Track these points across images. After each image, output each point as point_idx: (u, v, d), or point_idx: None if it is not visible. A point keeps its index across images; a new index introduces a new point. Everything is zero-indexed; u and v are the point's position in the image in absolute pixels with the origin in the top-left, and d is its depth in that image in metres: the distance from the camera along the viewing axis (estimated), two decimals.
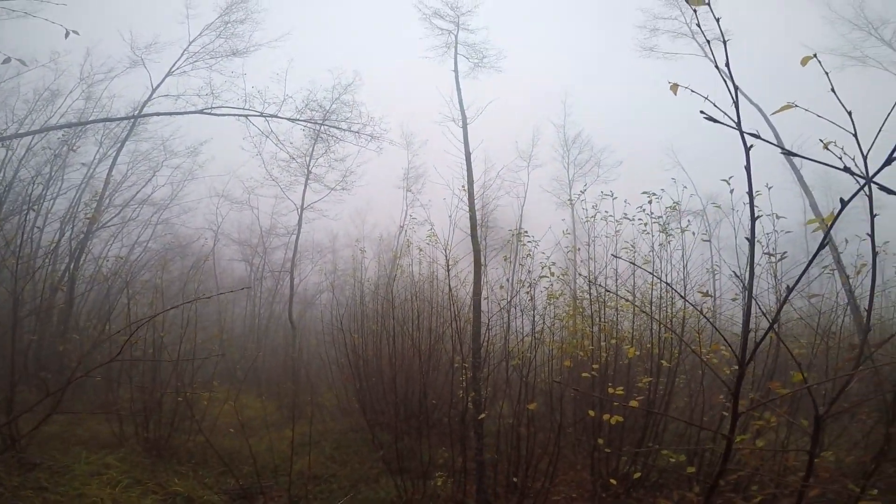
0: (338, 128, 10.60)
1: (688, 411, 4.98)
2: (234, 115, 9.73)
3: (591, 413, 4.52)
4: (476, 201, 7.67)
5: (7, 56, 3.11)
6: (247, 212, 19.95)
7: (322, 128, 10.82)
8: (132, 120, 11.00)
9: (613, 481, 4.33)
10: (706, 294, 4.02)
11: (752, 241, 1.89)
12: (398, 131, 17.76)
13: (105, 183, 10.70)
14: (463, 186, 7.61)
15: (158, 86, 9.87)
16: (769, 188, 4.67)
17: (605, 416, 3.74)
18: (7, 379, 4.75)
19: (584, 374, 4.80)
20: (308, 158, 13.87)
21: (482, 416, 5.15)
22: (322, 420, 8.26)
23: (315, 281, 20.11)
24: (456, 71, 10.11)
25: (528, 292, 5.51)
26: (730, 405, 1.89)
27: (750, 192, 1.83)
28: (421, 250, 8.39)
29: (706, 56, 13.28)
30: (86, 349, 7.00)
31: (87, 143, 11.74)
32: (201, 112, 9.61)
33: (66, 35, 3.09)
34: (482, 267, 6.68)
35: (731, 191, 4.56)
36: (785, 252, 4.82)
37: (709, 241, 5.98)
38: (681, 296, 4.68)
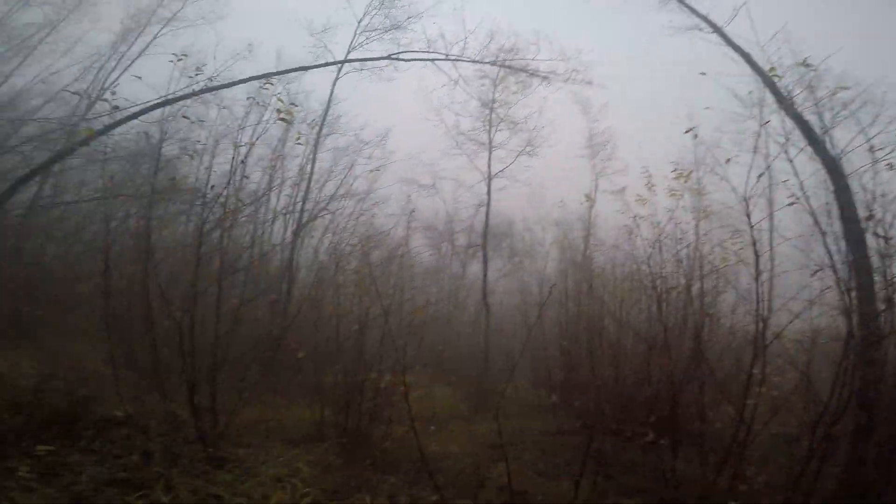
0: (525, 70, 9.66)
1: None
2: (421, 59, 9.86)
3: None
4: None
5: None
6: (433, 197, 19.88)
7: (508, 68, 9.77)
8: (327, 107, 11.25)
9: None
10: None
11: None
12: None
13: (309, 177, 11.37)
14: None
15: (345, 61, 10.26)
16: None
17: None
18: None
19: None
20: (490, 111, 12.58)
21: None
22: (514, 416, 6.93)
23: (497, 266, 19.03)
24: None
25: None
26: None
27: None
28: None
29: None
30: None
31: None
32: (388, 58, 9.83)
33: None
34: None
35: None
36: None
37: None
38: None
